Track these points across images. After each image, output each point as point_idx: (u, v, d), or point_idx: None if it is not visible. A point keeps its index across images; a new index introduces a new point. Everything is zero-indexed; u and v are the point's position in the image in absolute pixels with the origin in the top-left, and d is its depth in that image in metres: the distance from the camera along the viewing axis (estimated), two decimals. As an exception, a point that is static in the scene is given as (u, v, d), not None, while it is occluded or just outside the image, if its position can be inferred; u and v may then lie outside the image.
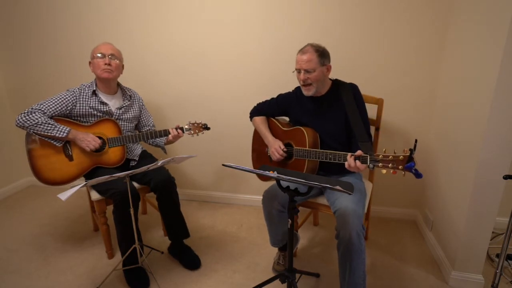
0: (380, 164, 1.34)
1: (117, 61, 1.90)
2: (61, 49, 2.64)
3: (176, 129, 1.97)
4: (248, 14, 2.28)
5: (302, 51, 1.68)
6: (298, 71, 1.69)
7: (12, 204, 2.76)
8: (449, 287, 1.80)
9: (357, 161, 1.42)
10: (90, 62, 1.92)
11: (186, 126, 2.01)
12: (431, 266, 1.97)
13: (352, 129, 1.66)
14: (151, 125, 2.15)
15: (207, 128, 2.04)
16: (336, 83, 1.78)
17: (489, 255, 2.02)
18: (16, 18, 2.64)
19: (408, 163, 1.25)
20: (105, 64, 1.85)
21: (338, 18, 2.16)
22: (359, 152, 1.43)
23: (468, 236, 1.71)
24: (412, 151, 1.24)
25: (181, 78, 2.52)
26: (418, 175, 1.25)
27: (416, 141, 1.30)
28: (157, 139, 2.06)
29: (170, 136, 1.97)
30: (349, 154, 1.47)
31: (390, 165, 1.30)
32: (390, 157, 1.30)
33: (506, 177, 1.39)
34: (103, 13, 2.48)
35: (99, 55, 1.86)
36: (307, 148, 1.70)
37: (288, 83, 2.03)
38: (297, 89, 1.88)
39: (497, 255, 1.97)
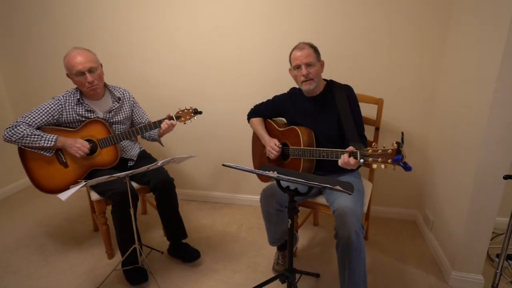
0: (370, 159, 1.35)
1: (98, 71, 1.82)
2: (61, 49, 2.64)
3: (167, 119, 1.90)
4: (248, 14, 2.28)
5: (298, 48, 1.69)
6: (298, 67, 1.69)
7: (12, 204, 2.76)
8: (449, 287, 1.80)
9: (350, 157, 1.43)
10: (68, 75, 1.83)
11: (177, 114, 1.94)
12: (431, 266, 1.97)
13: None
14: (145, 122, 2.11)
15: (199, 113, 1.97)
16: (330, 83, 1.79)
17: (489, 255, 2.02)
18: (16, 19, 2.64)
19: (396, 156, 1.25)
20: (88, 82, 1.78)
21: (338, 18, 2.15)
22: (350, 148, 1.45)
23: (468, 236, 1.71)
24: (399, 144, 1.25)
25: (180, 77, 2.52)
26: (406, 168, 1.25)
27: (402, 133, 1.31)
28: (151, 132, 2.03)
29: (162, 127, 1.89)
30: (341, 150, 1.50)
31: (379, 159, 1.31)
32: (379, 151, 1.32)
33: (506, 177, 1.39)
34: (102, 12, 2.47)
35: (77, 73, 1.77)
36: (301, 147, 1.71)
37: (288, 82, 2.03)
38: (292, 90, 1.90)
39: (497, 255, 1.97)
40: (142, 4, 2.40)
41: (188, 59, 2.46)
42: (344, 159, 1.46)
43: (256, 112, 2.02)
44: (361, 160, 1.39)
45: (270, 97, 2.00)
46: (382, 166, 1.30)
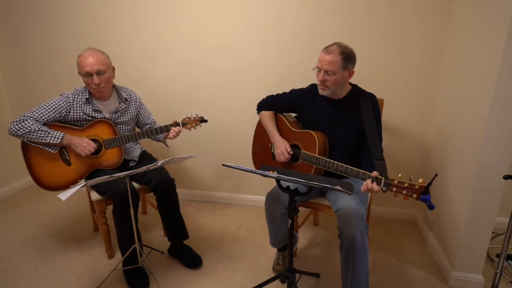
0: (394, 189, 1.29)
1: (106, 75, 1.82)
2: (60, 49, 2.64)
3: (174, 125, 1.94)
4: (247, 12, 2.28)
5: (327, 50, 1.57)
6: (318, 69, 1.61)
7: (12, 204, 2.76)
8: (449, 287, 1.80)
9: (373, 183, 1.35)
10: (79, 73, 1.84)
11: (183, 121, 1.97)
12: (431, 266, 1.97)
13: (365, 141, 1.60)
14: (151, 122, 2.13)
15: (204, 121, 2.00)
16: (356, 89, 1.71)
17: (489, 255, 2.02)
18: (17, 19, 2.64)
19: (423, 194, 1.22)
20: (94, 84, 1.79)
21: (338, 18, 2.15)
22: (375, 173, 1.37)
23: (468, 236, 1.71)
24: (429, 184, 1.21)
25: (180, 77, 2.52)
26: (431, 207, 1.23)
27: (436, 175, 1.25)
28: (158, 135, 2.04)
29: (170, 134, 1.94)
30: (363, 172, 1.43)
31: (404, 192, 1.26)
32: (406, 184, 1.26)
33: (506, 177, 1.39)
34: (101, 13, 2.47)
35: (85, 74, 1.78)
36: (316, 155, 1.63)
37: (291, 85, 2.03)
38: (312, 86, 1.79)
39: (497, 255, 1.97)
40: (146, 7, 2.40)
41: (191, 62, 2.46)
42: (367, 185, 1.36)
43: (268, 104, 1.91)
44: (384, 188, 1.32)
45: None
46: (403, 198, 1.26)
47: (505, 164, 1.56)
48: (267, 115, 1.89)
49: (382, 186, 1.33)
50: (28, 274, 1.92)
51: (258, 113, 1.96)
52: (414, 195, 1.23)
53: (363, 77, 2.20)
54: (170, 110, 2.60)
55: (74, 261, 2.03)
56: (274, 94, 1.93)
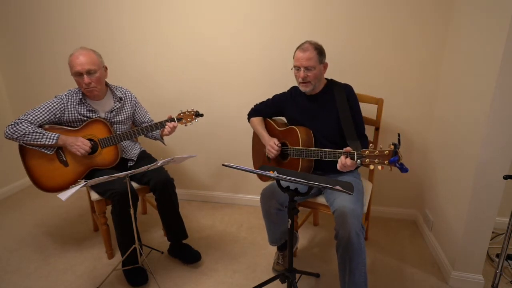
0: (366, 160, 1.36)
1: (97, 74, 1.81)
2: (61, 49, 2.64)
3: (169, 121, 1.92)
4: (244, 12, 2.28)
5: (301, 48, 1.68)
6: (297, 68, 1.70)
7: (12, 204, 2.76)
8: (449, 287, 1.80)
9: (347, 158, 1.43)
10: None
11: (178, 116, 1.95)
12: (431, 266, 1.97)
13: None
14: (148, 121, 2.13)
15: (200, 115, 1.98)
16: (331, 82, 1.80)
17: (489, 255, 2.02)
18: (17, 19, 2.64)
19: (392, 157, 1.26)
20: (85, 84, 1.79)
21: (337, 17, 2.15)
22: (347, 149, 1.46)
23: (468, 236, 1.71)
24: (396, 145, 1.25)
25: (181, 77, 2.52)
26: (403, 169, 1.25)
27: (399, 134, 1.32)
28: (153, 132, 2.03)
29: (165, 130, 1.91)
30: (338, 151, 1.51)
31: (376, 160, 1.32)
32: (376, 152, 1.33)
33: (506, 177, 1.39)
34: (103, 12, 2.48)
35: (75, 73, 1.78)
36: (300, 147, 1.71)
37: (287, 81, 2.03)
38: (292, 88, 1.91)
39: (497, 255, 1.97)
40: (145, 5, 2.40)
41: (190, 59, 2.46)
42: (341, 161, 1.46)
43: (256, 111, 2.03)
44: (358, 161, 1.39)
45: (270, 94, 2.00)
46: (379, 167, 1.31)
47: (505, 164, 1.56)
48: (256, 120, 2.00)
49: (355, 159, 1.40)
50: (28, 274, 1.92)
51: (248, 121, 2.06)
52: (386, 161, 1.29)
53: (363, 77, 2.21)
54: (169, 110, 2.59)
55: (74, 261, 2.03)
56: (260, 102, 2.04)
